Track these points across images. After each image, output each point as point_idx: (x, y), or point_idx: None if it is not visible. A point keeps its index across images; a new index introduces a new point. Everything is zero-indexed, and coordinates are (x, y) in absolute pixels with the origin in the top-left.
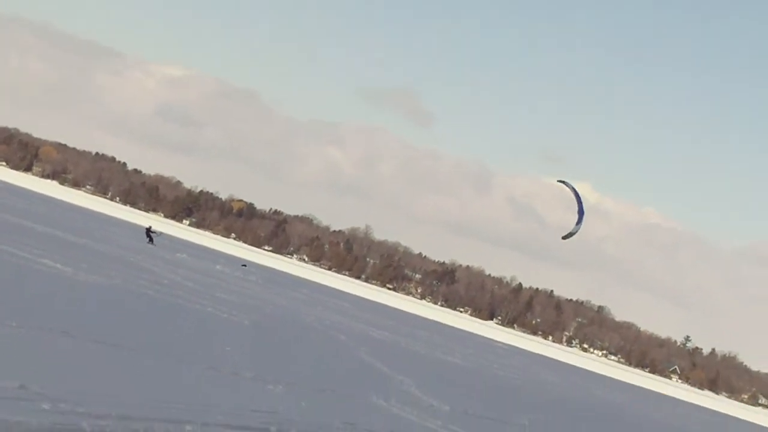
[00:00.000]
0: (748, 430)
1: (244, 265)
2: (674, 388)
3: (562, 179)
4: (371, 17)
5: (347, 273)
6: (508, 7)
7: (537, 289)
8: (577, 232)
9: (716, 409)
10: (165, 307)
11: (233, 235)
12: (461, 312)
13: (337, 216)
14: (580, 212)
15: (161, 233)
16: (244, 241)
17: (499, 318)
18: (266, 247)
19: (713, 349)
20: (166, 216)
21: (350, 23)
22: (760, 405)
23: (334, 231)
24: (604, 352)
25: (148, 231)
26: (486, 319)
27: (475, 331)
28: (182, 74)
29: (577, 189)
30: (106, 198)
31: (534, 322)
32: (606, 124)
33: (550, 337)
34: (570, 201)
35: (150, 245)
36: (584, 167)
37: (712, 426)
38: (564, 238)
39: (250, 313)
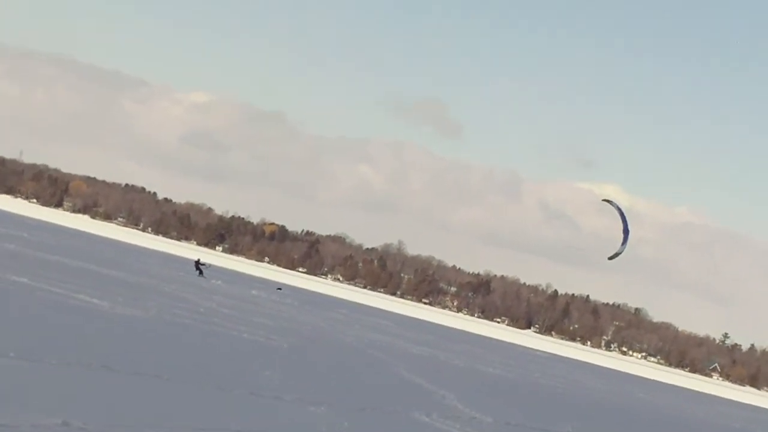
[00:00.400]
0: None
1: (280, 289)
2: (715, 386)
3: (607, 198)
4: (391, 30)
5: (382, 290)
6: (531, 11)
7: (573, 294)
8: (623, 252)
9: (759, 404)
10: (203, 335)
11: (267, 258)
12: (498, 322)
13: (369, 233)
14: (625, 231)
15: (210, 265)
16: (278, 264)
17: (537, 326)
18: (300, 269)
19: (752, 345)
20: (198, 243)
21: (371, 37)
22: None
23: (367, 249)
24: (644, 354)
25: (197, 264)
26: (524, 328)
27: (514, 341)
28: (207, 100)
29: (620, 206)
30: (138, 229)
31: (572, 328)
32: (634, 125)
33: (589, 343)
34: (603, 205)
35: (201, 278)
36: (615, 170)
37: (754, 423)
38: (610, 258)
39: (287, 336)
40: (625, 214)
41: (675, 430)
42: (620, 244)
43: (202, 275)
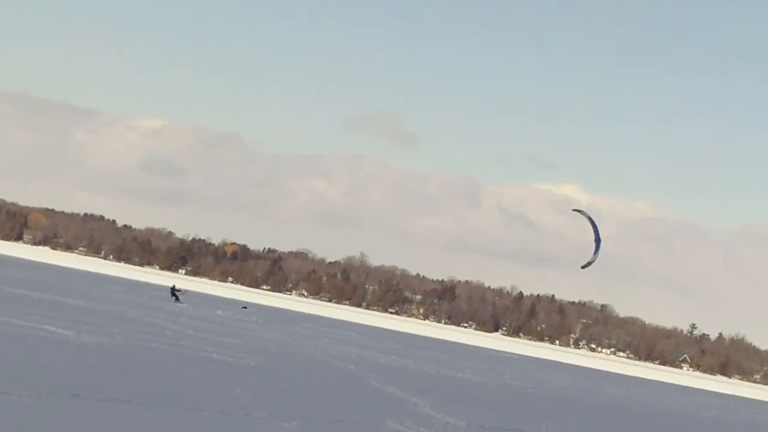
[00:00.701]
0: (760, 410)
1: (245, 307)
2: (686, 377)
3: (578, 208)
4: (340, 46)
5: (348, 303)
6: (478, 20)
7: (538, 295)
8: (595, 260)
9: (730, 392)
10: (170, 358)
11: (230, 278)
12: (466, 327)
13: (331, 247)
14: (597, 241)
15: (186, 291)
16: (242, 284)
17: (504, 328)
18: (264, 287)
19: (720, 334)
20: (161, 268)
21: (321, 54)
22: None
23: (330, 262)
24: (612, 349)
25: (173, 290)
26: (491, 332)
27: (482, 345)
28: (162, 125)
29: (591, 217)
30: (99, 257)
31: (539, 328)
32: (590, 125)
33: (557, 342)
34: (561, 204)
35: (178, 304)
36: (572, 170)
37: (726, 410)
38: (583, 267)
39: (255, 353)
40: (598, 228)
41: (647, 423)
42: (592, 252)
43: (179, 301)
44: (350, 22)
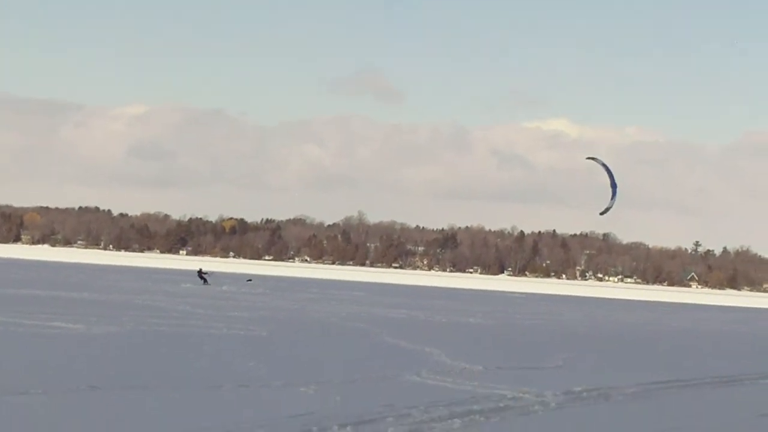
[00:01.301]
0: (766, 317)
1: (250, 280)
2: (696, 295)
3: (592, 156)
4: (315, 7)
5: (351, 263)
6: None
7: (539, 232)
8: (612, 206)
9: (741, 305)
10: (182, 339)
11: (232, 253)
12: (471, 273)
13: (328, 210)
14: (613, 186)
15: (213, 272)
16: (244, 257)
17: (510, 269)
18: (267, 258)
19: (725, 248)
20: (162, 251)
21: (297, 18)
22: None
23: (329, 225)
24: (619, 277)
25: (200, 273)
26: (497, 274)
27: (489, 288)
28: (145, 110)
29: (606, 163)
30: (99, 249)
31: (544, 265)
32: (571, 56)
33: (564, 276)
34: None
35: (206, 285)
36: (560, 103)
37: (737, 323)
38: (601, 213)
39: (266, 324)
40: (612, 173)
41: (661, 344)
42: (609, 198)
43: (207, 283)
44: None
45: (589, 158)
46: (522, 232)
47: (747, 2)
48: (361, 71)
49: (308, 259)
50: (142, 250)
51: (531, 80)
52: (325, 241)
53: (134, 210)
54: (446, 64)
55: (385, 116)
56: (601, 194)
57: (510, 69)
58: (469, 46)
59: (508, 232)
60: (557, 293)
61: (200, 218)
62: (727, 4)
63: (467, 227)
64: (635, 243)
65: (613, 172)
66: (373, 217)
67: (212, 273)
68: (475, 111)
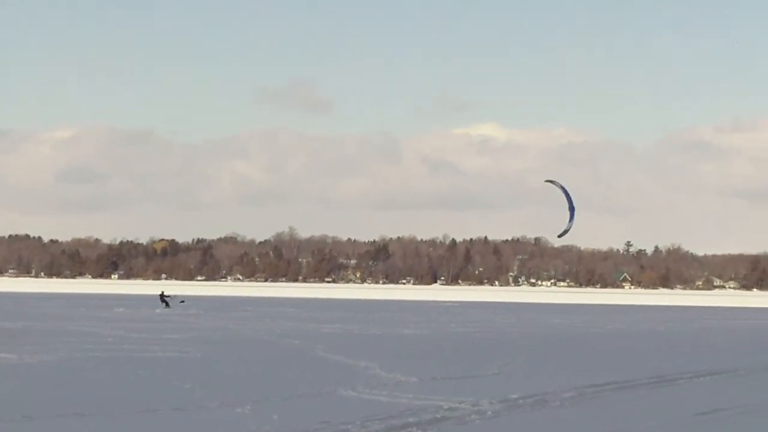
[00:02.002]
0: (707, 315)
1: (183, 302)
2: (630, 296)
3: (550, 179)
4: (243, 20)
5: (284, 279)
6: None
7: (471, 239)
8: (570, 228)
9: (675, 303)
10: (116, 364)
11: (164, 275)
12: (404, 283)
13: (259, 227)
14: (571, 209)
15: (175, 296)
16: (176, 278)
17: (443, 278)
18: (199, 278)
19: (656, 247)
20: (93, 276)
21: (223, 33)
22: (715, 287)
23: (260, 242)
24: (552, 281)
25: (162, 296)
26: (430, 284)
27: (423, 298)
28: (73, 133)
29: (564, 186)
30: (30, 276)
31: (477, 272)
32: (498, 59)
33: (497, 282)
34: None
35: (167, 309)
36: (489, 108)
37: (672, 322)
38: (559, 236)
39: (200, 345)
40: (570, 195)
41: (596, 347)
42: (567, 220)
43: (169, 306)
44: None
45: (547, 181)
46: (454, 240)
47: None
48: (289, 83)
49: (241, 277)
50: (73, 276)
51: (458, 86)
52: (257, 259)
53: (65, 236)
54: (374, 73)
55: (314, 128)
56: (532, 199)
57: (437, 76)
58: (397, 54)
59: (440, 241)
60: (491, 300)
61: (131, 241)
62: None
63: (399, 238)
64: (567, 246)
65: (561, 184)
66: (304, 232)
67: (174, 296)
68: (404, 119)
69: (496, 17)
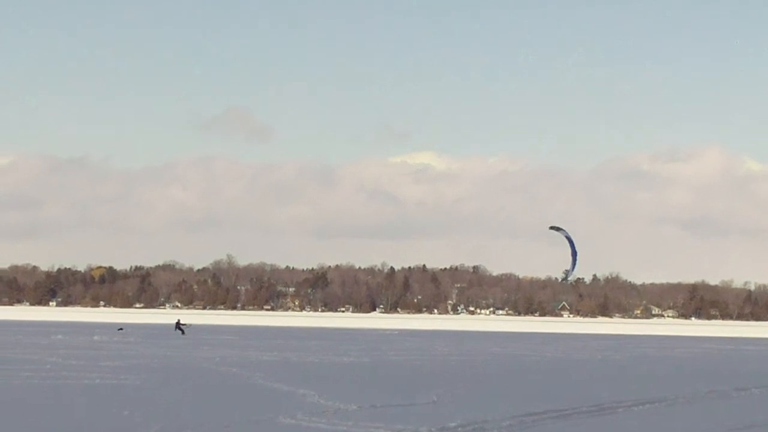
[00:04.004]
0: (645, 344)
1: (121, 329)
2: (568, 324)
3: (555, 225)
4: (181, 47)
5: (222, 306)
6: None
7: (410, 267)
8: (572, 273)
9: (613, 332)
10: (55, 392)
11: (102, 302)
12: (343, 311)
13: (197, 254)
14: (574, 254)
15: (190, 325)
16: (114, 306)
17: (381, 306)
18: (137, 305)
19: (595, 275)
20: (31, 303)
21: (161, 60)
22: (654, 316)
23: (199, 270)
24: (491, 309)
25: (178, 324)
26: (368, 312)
27: (362, 326)
28: (7, 161)
29: (568, 234)
30: None
31: (416, 300)
32: (436, 88)
33: (436, 310)
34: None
35: (184, 336)
36: (427, 136)
37: (610, 350)
38: (562, 281)
39: (138, 372)
40: (573, 242)
41: (533, 375)
42: (570, 266)
43: (184, 333)
44: (183, 21)
45: (552, 228)
46: (392, 268)
47: (607, 25)
48: (227, 110)
49: (179, 304)
50: (11, 303)
51: (396, 115)
52: (195, 286)
53: (2, 262)
54: (313, 101)
55: (252, 155)
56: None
57: (375, 104)
58: (336, 82)
59: (378, 269)
60: (430, 328)
61: (69, 268)
62: (584, 28)
63: (337, 266)
64: (505, 274)
65: (566, 232)
66: (242, 260)
67: (190, 325)
68: (341, 147)
69: (434, 47)
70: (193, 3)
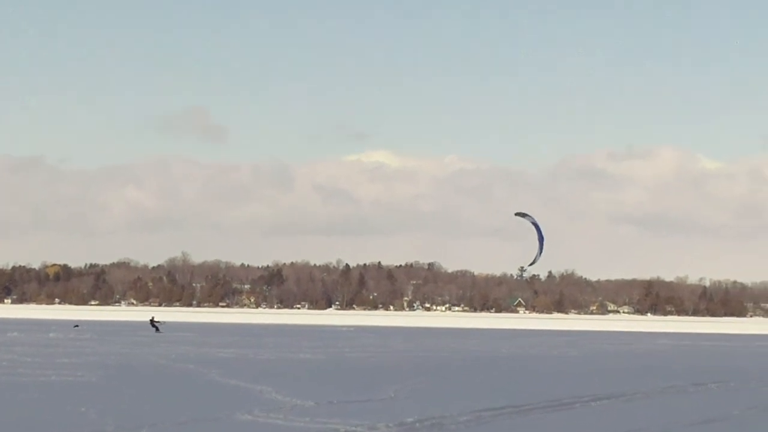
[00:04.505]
0: (600, 340)
1: (77, 326)
2: (524, 320)
3: (521, 212)
4: (137, 48)
5: (178, 303)
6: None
7: (365, 264)
8: (539, 257)
9: (568, 328)
10: (10, 389)
11: (57, 300)
12: (299, 308)
13: (153, 253)
14: (540, 239)
15: (164, 322)
16: (70, 303)
17: (337, 303)
18: (93, 302)
19: (550, 272)
20: None
21: (117, 59)
22: (609, 312)
23: (154, 267)
24: (447, 305)
25: (152, 322)
26: (324, 308)
27: (318, 323)
28: None
29: (534, 219)
30: None
31: (371, 297)
32: (391, 87)
33: (391, 307)
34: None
35: (158, 333)
36: (382, 135)
37: (565, 347)
38: (530, 265)
39: (95, 369)
40: (540, 227)
41: (490, 370)
42: (537, 251)
43: (159, 331)
44: (139, 22)
45: (517, 214)
46: (347, 265)
47: (564, 26)
48: (184, 111)
49: (134, 302)
50: None
51: (351, 114)
52: (150, 284)
53: None
54: (269, 101)
55: (208, 155)
56: (425, 224)
57: (331, 104)
58: (292, 83)
59: (334, 266)
60: (386, 325)
61: (23, 266)
62: (539, 28)
63: (293, 263)
64: (461, 271)
65: (531, 218)
66: (197, 257)
67: (164, 322)
68: (297, 147)
69: (390, 47)
70: (149, 3)
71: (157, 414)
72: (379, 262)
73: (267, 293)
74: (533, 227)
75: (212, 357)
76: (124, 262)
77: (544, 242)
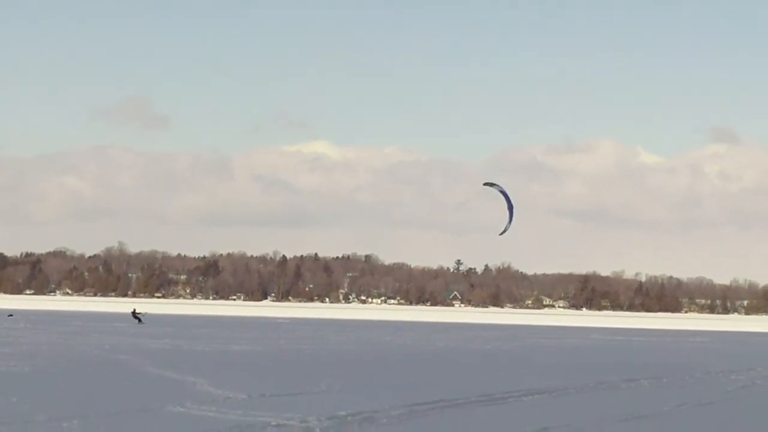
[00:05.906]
0: (536, 335)
1: (11, 315)
2: (460, 314)
3: (489, 182)
4: (80, 36)
5: (114, 294)
6: None
7: (302, 256)
8: (509, 227)
9: (505, 322)
10: None
11: None
12: (234, 299)
13: (89, 242)
14: (510, 208)
15: (146, 313)
16: (4, 292)
17: (273, 295)
18: (27, 291)
19: (486, 266)
20: None
21: (60, 47)
22: (545, 306)
23: (90, 257)
24: (383, 298)
25: (134, 313)
26: (260, 300)
27: (253, 314)
28: None
29: (502, 187)
30: None
31: (307, 289)
32: (332, 77)
33: (327, 299)
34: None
35: (141, 324)
36: (322, 126)
37: (500, 341)
38: (501, 234)
39: (27, 359)
40: (509, 196)
41: (423, 364)
42: (507, 220)
43: (141, 323)
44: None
45: (486, 184)
46: (284, 256)
47: (504, 19)
48: (125, 100)
49: (69, 291)
50: None
51: (291, 104)
52: (86, 273)
53: None
54: (209, 90)
55: (147, 144)
56: (363, 216)
57: (271, 93)
58: (230, 72)
59: (270, 258)
60: (321, 317)
61: None
62: (481, 21)
63: (229, 254)
64: (398, 264)
65: (500, 186)
66: (134, 247)
67: (146, 314)
68: (237, 136)
69: (331, 36)
70: None
71: (88, 405)
72: (316, 254)
73: (203, 284)
74: (501, 195)
75: (146, 348)
76: (60, 252)
77: (513, 209)
